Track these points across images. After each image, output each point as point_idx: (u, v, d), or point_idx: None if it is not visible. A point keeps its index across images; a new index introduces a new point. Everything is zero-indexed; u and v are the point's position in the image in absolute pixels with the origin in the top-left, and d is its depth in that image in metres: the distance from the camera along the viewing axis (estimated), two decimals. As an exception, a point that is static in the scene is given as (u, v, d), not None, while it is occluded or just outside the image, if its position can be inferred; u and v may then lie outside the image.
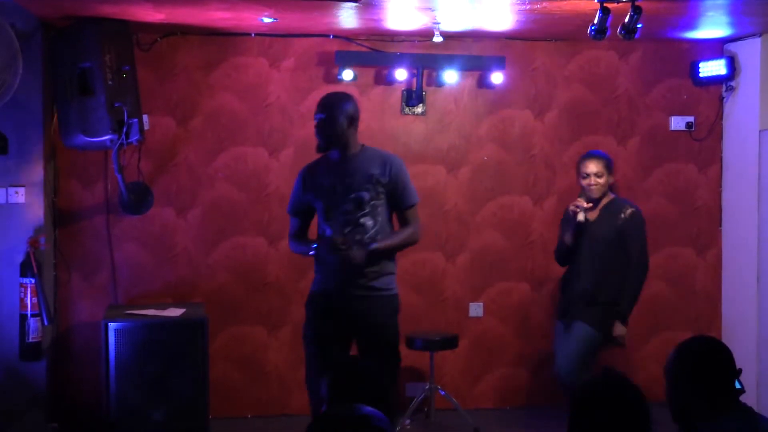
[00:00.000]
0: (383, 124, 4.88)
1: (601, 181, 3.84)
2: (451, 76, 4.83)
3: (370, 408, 1.68)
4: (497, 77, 4.83)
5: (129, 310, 4.34)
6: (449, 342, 4.36)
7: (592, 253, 3.80)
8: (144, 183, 4.58)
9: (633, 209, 3.82)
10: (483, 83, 4.94)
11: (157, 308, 4.34)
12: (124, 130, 3.96)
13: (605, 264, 3.80)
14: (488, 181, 4.99)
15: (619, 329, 3.76)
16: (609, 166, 3.92)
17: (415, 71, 4.74)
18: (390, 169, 3.33)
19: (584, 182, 3.83)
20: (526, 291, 4.99)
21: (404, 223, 3.40)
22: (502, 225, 5.02)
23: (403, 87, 4.87)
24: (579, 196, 3.88)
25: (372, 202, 3.28)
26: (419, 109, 4.90)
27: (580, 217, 3.74)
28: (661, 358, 2.37)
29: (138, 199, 4.49)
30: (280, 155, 4.83)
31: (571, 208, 3.80)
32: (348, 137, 3.29)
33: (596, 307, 3.77)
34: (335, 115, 3.24)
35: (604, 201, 3.87)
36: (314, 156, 3.51)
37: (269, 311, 4.85)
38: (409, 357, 4.38)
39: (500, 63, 4.82)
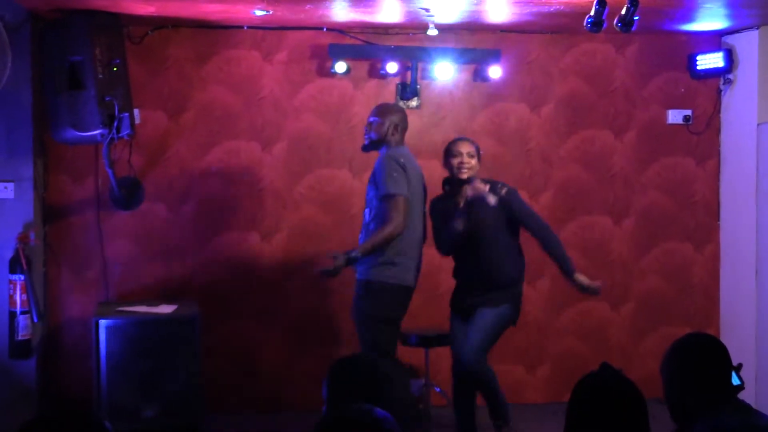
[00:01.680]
0: None
1: (473, 162, 3.81)
2: (445, 69, 4.81)
3: (379, 410, 1.69)
4: (493, 71, 4.82)
5: (120, 306, 4.31)
6: (444, 338, 4.24)
7: (482, 238, 3.77)
8: (135, 178, 4.56)
9: (507, 187, 3.80)
10: (478, 76, 4.93)
11: (148, 305, 4.32)
12: (115, 124, 3.97)
13: (498, 246, 3.79)
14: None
15: (581, 277, 3.74)
16: (479, 152, 3.90)
17: (409, 64, 4.75)
18: (376, 163, 3.77)
19: (454, 161, 3.76)
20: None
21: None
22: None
23: (397, 80, 4.86)
24: (444, 183, 3.84)
25: (369, 196, 3.78)
26: (414, 103, 4.89)
27: (492, 200, 3.65)
28: (658, 355, 2.40)
29: (129, 194, 4.48)
30: (273, 149, 4.84)
31: (471, 192, 3.70)
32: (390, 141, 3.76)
33: (499, 291, 3.77)
34: (383, 120, 3.76)
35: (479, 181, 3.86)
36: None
37: (263, 308, 4.83)
38: (404, 353, 4.35)
39: (496, 56, 4.82)
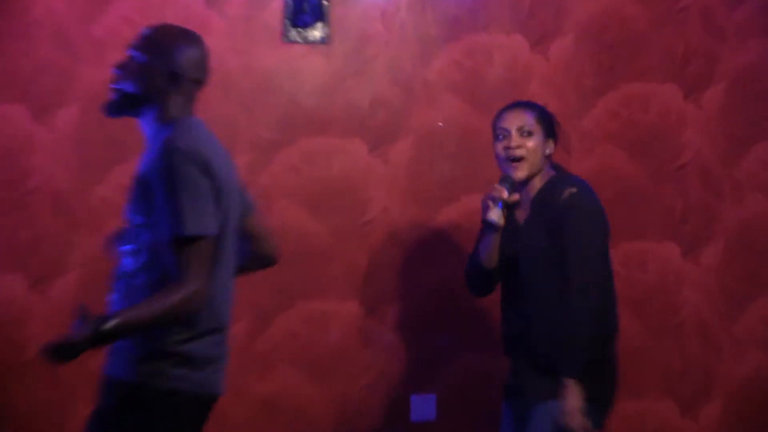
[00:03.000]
0: (250, 62, 4.81)
1: (531, 144, 3.77)
2: (375, -28, 4.87)
3: None
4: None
5: None
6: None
7: (526, 276, 3.82)
8: None
9: (574, 189, 3.78)
10: (435, -15, 4.94)
11: None
12: None
13: (546, 295, 3.75)
14: (445, 168, 4.93)
15: (570, 406, 3.62)
16: (547, 123, 3.89)
17: (307, -37, 4.81)
18: (153, 164, 3.21)
19: (498, 146, 3.83)
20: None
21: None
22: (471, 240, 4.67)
23: (285, -6, 4.87)
24: (500, 182, 3.84)
25: (134, 221, 3.31)
26: (317, 33, 4.85)
27: (492, 215, 3.77)
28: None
29: None
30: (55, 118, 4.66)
31: (485, 201, 3.87)
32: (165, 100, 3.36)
33: (551, 373, 3.73)
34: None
35: (538, 184, 3.86)
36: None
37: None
38: None
39: (467, -53, 4.82)
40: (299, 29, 4.83)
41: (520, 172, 3.78)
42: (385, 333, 4.83)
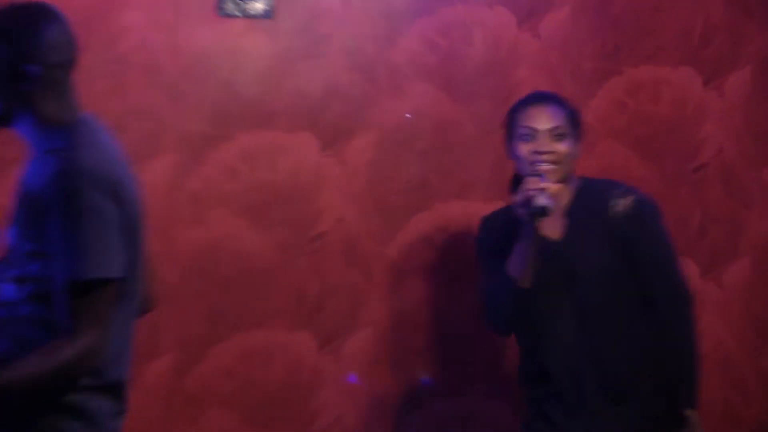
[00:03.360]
0: (177, 40, 4.73)
1: (563, 148, 3.86)
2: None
3: None
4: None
5: None
6: None
7: (589, 298, 3.87)
8: None
9: (633, 196, 3.96)
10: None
11: None
12: None
13: (610, 321, 3.85)
14: (415, 169, 4.91)
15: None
16: (577, 123, 3.98)
17: None
18: (47, 184, 3.22)
19: (523, 149, 3.87)
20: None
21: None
22: (445, 271, 4.96)
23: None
24: (512, 184, 3.95)
25: (22, 248, 3.30)
26: (259, 6, 4.83)
27: (542, 201, 3.70)
28: None
29: None
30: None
31: (525, 194, 3.83)
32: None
33: (623, 406, 3.85)
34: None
35: (567, 193, 3.97)
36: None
37: None
38: None
39: None
40: (238, 0, 4.77)
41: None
42: (341, 370, 4.79)
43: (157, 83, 4.66)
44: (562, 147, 3.86)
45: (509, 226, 3.89)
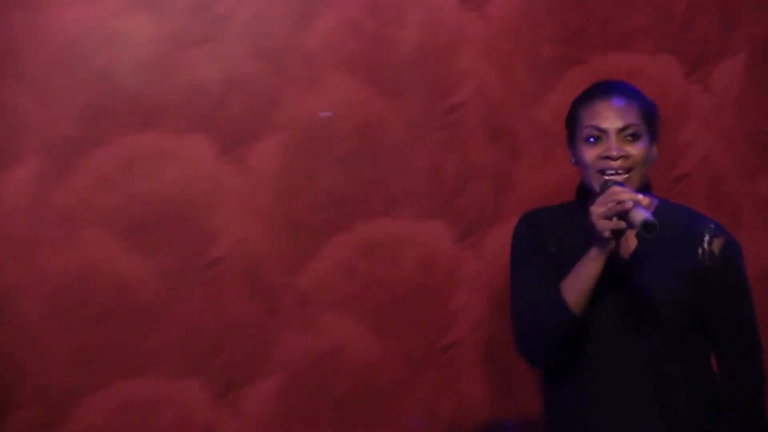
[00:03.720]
0: (40, 23, 4.64)
1: (638, 151, 3.78)
2: None
3: None
4: None
5: None
6: None
7: (664, 328, 3.85)
8: None
9: (723, 236, 3.95)
10: None
11: None
12: None
13: (679, 359, 3.84)
14: (332, 180, 4.91)
15: None
16: (652, 119, 3.89)
17: None
18: None
19: (589, 154, 3.81)
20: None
21: None
22: (366, 306, 4.94)
23: None
24: (578, 195, 3.99)
25: None
26: None
27: (643, 215, 3.58)
28: None
29: None
30: None
31: (601, 208, 3.74)
32: None
33: None
34: None
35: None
36: None
37: None
38: None
39: None
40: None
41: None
42: (240, 428, 4.73)
43: (15, 76, 4.61)
44: (635, 150, 3.75)
45: (561, 227, 3.93)
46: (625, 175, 3.76)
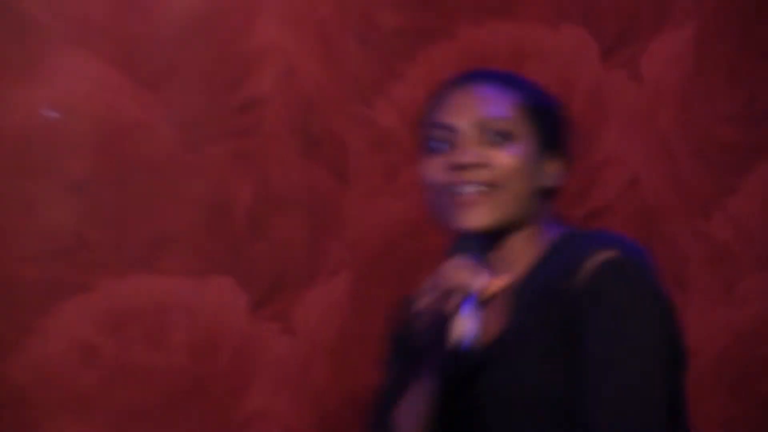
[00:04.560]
0: None
1: (505, 158, 3.20)
2: None
3: None
4: None
5: None
6: None
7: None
8: None
9: (608, 251, 3.22)
10: None
11: None
12: None
13: None
14: (61, 217, 4.29)
15: None
16: (544, 119, 3.17)
17: None
18: None
19: (438, 162, 3.25)
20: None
21: None
22: (112, 407, 4.43)
23: None
24: (455, 255, 3.25)
25: None
26: None
27: (465, 328, 3.13)
28: None
29: None
30: None
31: (422, 305, 3.15)
32: None
33: None
34: None
35: (526, 250, 3.21)
36: None
37: None
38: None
39: None
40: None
41: (476, 217, 2.92)
42: None
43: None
44: (504, 156, 2.96)
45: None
46: (482, 195, 2.83)
